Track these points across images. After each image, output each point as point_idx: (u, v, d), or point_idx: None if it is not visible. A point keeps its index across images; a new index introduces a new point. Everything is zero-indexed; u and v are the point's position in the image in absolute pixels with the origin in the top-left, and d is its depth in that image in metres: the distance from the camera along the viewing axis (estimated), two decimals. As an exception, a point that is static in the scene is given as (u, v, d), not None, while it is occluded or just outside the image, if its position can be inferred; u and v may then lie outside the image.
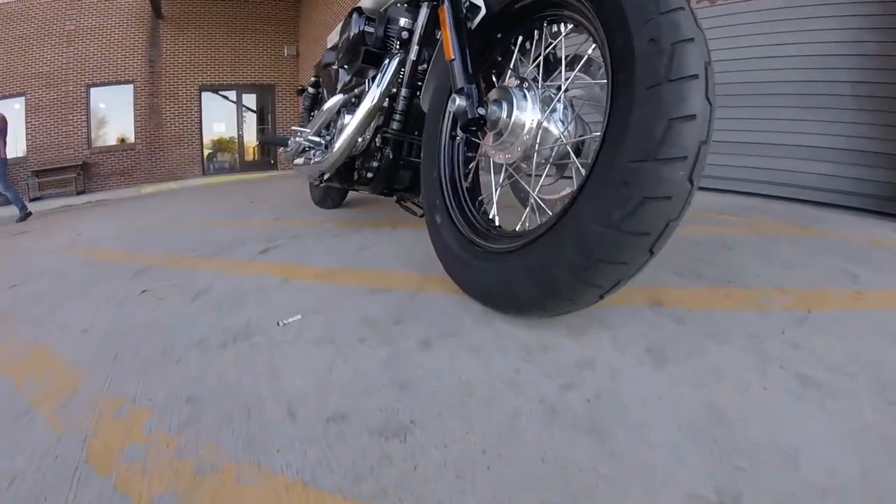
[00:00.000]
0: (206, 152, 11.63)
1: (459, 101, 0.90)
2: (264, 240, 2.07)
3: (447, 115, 1.13)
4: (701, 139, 0.61)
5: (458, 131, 1.02)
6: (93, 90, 10.67)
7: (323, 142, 1.85)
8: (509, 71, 1.05)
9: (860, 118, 2.18)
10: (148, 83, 10.88)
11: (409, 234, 1.80)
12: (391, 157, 1.40)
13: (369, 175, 1.50)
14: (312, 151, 1.95)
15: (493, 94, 0.97)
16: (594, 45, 0.84)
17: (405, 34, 1.39)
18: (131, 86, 10.82)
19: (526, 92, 0.93)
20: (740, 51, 2.55)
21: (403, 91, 1.37)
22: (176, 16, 11.17)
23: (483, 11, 0.99)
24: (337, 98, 1.72)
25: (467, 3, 1.01)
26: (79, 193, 10.10)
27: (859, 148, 2.19)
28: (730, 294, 1.06)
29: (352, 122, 1.42)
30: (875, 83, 2.12)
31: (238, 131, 12.08)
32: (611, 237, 0.66)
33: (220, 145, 12.06)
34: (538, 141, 0.92)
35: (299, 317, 1.11)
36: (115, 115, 11.03)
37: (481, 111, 0.91)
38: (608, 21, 0.70)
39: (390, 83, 1.36)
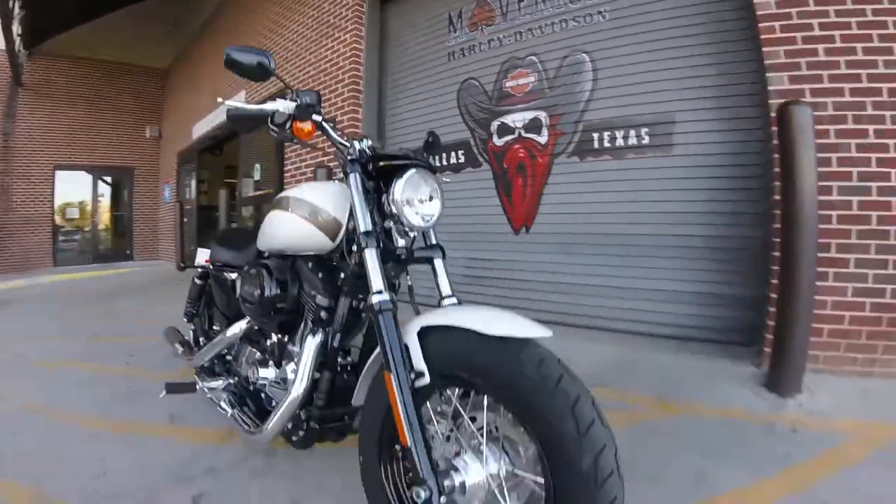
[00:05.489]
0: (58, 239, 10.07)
1: (424, 496, 0.83)
2: None
3: None
4: None
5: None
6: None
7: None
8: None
9: (711, 266, 2.23)
10: (0, 160, 9.42)
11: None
12: (317, 428, 1.24)
13: (293, 439, 1.30)
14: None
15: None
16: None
17: (324, 314, 1.21)
18: (-20, 162, 9.29)
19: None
20: (605, 205, 2.73)
21: (326, 374, 1.21)
22: (38, 84, 9.97)
23: (426, 379, 0.92)
24: (239, 327, 1.52)
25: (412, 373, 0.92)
26: None
27: (709, 291, 2.34)
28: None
29: (277, 416, 1.23)
30: (725, 237, 2.30)
31: (92, 218, 10.65)
32: None
33: (73, 232, 10.50)
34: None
35: None
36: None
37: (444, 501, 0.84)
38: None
39: (311, 370, 1.19)
